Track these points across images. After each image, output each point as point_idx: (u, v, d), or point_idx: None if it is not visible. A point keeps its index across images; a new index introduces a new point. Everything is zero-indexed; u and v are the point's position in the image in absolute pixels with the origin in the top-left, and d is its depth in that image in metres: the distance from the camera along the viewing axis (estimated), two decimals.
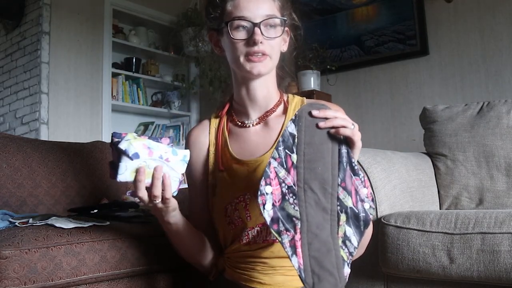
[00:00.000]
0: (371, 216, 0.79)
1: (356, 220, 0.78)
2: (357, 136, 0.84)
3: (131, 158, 0.87)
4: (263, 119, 1.12)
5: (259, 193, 0.77)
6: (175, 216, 1.00)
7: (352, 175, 0.80)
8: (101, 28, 3.97)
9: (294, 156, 0.79)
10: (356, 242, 0.78)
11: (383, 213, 1.38)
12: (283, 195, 0.78)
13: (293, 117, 0.83)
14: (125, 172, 0.88)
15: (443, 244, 1.21)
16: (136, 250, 1.20)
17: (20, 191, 1.52)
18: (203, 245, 1.10)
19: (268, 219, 0.76)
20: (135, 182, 0.89)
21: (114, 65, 4.17)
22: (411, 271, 1.27)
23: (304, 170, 0.79)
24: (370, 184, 1.40)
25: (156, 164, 0.89)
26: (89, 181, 1.72)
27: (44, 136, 3.50)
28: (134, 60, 4.37)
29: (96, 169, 1.78)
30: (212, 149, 1.14)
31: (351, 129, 0.83)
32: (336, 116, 0.83)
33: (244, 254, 1.05)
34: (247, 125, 1.12)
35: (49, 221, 1.15)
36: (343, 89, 3.69)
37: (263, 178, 0.78)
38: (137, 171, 0.88)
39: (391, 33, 3.47)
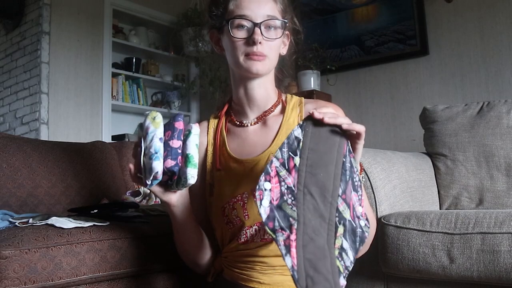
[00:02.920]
0: (366, 234, 0.78)
1: (353, 234, 0.76)
2: (358, 128, 0.84)
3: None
4: (261, 118, 1.12)
5: (257, 187, 0.76)
6: (176, 208, 1.01)
7: (352, 190, 0.79)
8: (101, 28, 3.97)
9: (297, 159, 0.79)
10: (352, 257, 0.75)
11: (383, 213, 1.38)
12: (282, 194, 0.76)
13: (301, 122, 0.82)
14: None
15: (443, 244, 1.21)
16: (136, 250, 1.20)
17: (20, 191, 1.52)
18: (203, 242, 1.10)
19: (264, 216, 0.74)
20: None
21: (114, 65, 4.17)
22: (411, 271, 1.27)
23: (305, 173, 0.78)
24: (371, 184, 1.40)
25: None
26: (89, 181, 1.72)
27: (44, 136, 3.50)
28: (134, 60, 4.38)
29: (96, 169, 1.78)
30: (210, 149, 1.14)
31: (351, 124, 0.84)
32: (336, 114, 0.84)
33: (242, 253, 1.05)
34: (245, 125, 1.13)
35: (49, 221, 1.15)
36: (343, 89, 3.69)
37: (263, 174, 0.77)
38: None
39: (391, 33, 3.47)
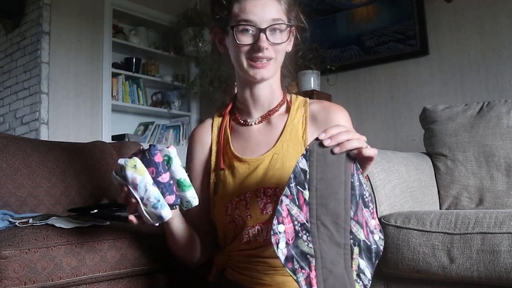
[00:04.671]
0: (381, 248, 0.79)
1: (368, 252, 0.78)
2: (370, 152, 0.83)
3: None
4: (266, 118, 1.12)
5: (272, 232, 0.77)
6: (171, 219, 1.00)
7: (363, 207, 0.80)
8: (101, 28, 3.97)
9: (306, 193, 0.79)
10: (369, 274, 0.78)
11: (383, 213, 1.38)
12: (296, 232, 0.77)
13: (304, 152, 0.82)
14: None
15: (443, 244, 1.21)
16: (136, 250, 1.20)
17: (20, 191, 1.52)
18: (193, 246, 1.11)
19: (282, 258, 0.76)
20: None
21: (114, 65, 4.17)
22: (411, 271, 1.27)
23: (316, 206, 0.78)
24: (371, 184, 1.40)
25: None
26: (89, 181, 1.72)
27: (44, 136, 3.50)
28: (134, 60, 4.37)
29: (96, 169, 1.78)
30: (214, 148, 1.14)
31: (363, 146, 0.82)
32: (348, 129, 0.83)
33: (245, 253, 1.05)
34: (250, 124, 1.13)
35: (49, 221, 1.15)
36: (343, 89, 3.69)
37: (275, 217, 0.78)
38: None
39: (391, 33, 3.47)
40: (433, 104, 1.88)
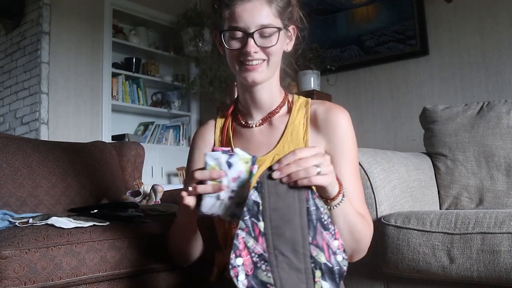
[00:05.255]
0: (345, 268, 0.80)
1: (331, 274, 0.79)
2: (318, 181, 0.81)
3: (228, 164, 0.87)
4: (266, 120, 1.12)
5: (230, 266, 0.78)
6: (184, 215, 0.99)
7: (323, 230, 0.81)
8: (101, 28, 3.97)
9: (261, 224, 0.80)
10: None
11: (383, 213, 1.38)
12: (255, 263, 0.79)
13: (256, 184, 0.82)
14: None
15: (443, 244, 1.21)
16: (136, 250, 1.20)
17: (20, 191, 1.52)
18: (198, 242, 1.10)
19: None
20: (207, 172, 0.87)
21: (114, 65, 4.17)
22: (411, 271, 1.27)
23: (272, 236, 0.79)
24: (371, 184, 1.40)
25: (223, 184, 0.87)
26: (89, 181, 1.72)
27: (44, 136, 3.50)
28: (134, 60, 4.38)
29: (96, 169, 1.78)
30: None
31: (313, 175, 0.81)
32: (297, 157, 0.81)
33: None
34: (251, 126, 1.13)
35: (49, 221, 1.15)
36: (343, 89, 3.69)
37: (232, 251, 0.79)
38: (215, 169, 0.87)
39: (391, 33, 3.47)
40: (433, 104, 1.88)
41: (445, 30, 3.27)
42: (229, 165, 0.88)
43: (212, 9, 1.08)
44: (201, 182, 0.88)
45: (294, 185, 0.81)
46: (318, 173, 0.81)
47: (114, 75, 4.14)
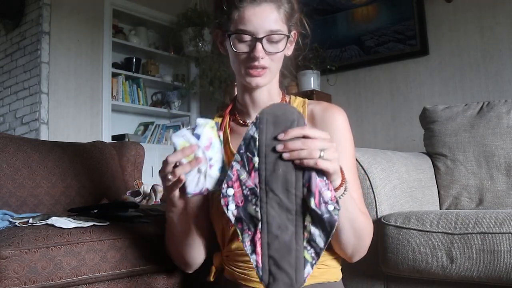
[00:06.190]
0: (336, 217, 0.77)
1: (320, 221, 0.77)
2: (323, 165, 0.79)
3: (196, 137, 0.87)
4: None
5: (221, 195, 0.79)
6: (176, 208, 0.99)
7: (317, 176, 0.79)
8: (101, 28, 3.97)
9: (256, 159, 0.80)
10: (322, 243, 0.77)
11: (383, 213, 1.38)
12: (245, 197, 0.79)
13: (254, 120, 0.82)
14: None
15: (443, 244, 1.21)
16: (136, 250, 1.20)
17: (20, 191, 1.52)
18: (196, 242, 1.10)
19: (232, 218, 0.79)
20: (178, 151, 0.87)
21: (114, 65, 4.17)
22: (411, 271, 1.27)
23: (265, 172, 0.79)
24: (371, 184, 1.40)
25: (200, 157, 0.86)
26: (89, 181, 1.72)
27: (44, 136, 3.50)
28: (134, 60, 4.38)
29: (96, 169, 1.78)
30: None
31: (316, 158, 0.78)
32: (305, 134, 0.79)
33: (243, 252, 1.05)
34: (248, 124, 1.13)
35: (49, 221, 1.15)
36: (343, 89, 3.69)
37: (225, 181, 0.80)
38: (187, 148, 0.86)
39: (391, 33, 3.47)
40: (433, 104, 1.88)
41: (445, 30, 3.27)
42: (198, 137, 0.87)
43: (219, 9, 1.08)
44: (176, 166, 0.87)
45: (299, 164, 0.79)
46: (321, 157, 0.79)
47: (114, 75, 4.14)
